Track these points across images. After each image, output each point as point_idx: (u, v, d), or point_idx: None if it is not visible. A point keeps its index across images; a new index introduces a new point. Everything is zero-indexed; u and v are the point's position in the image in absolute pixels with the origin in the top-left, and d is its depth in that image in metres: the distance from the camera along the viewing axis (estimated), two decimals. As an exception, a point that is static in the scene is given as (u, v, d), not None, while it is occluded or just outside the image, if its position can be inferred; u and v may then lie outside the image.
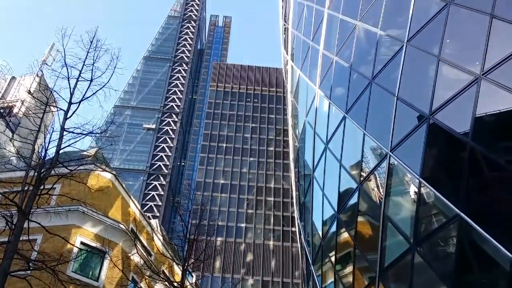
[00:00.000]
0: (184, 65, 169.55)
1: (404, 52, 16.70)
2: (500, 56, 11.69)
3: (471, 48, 13.74)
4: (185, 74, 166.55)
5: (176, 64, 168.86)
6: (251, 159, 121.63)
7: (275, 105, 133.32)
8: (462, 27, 14.61)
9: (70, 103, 21.10)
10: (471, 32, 14.07)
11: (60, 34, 20.93)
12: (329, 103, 23.94)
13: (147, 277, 29.46)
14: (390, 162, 16.13)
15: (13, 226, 18.94)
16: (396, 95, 16.34)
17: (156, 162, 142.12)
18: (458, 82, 13.20)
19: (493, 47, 12.25)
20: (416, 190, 14.50)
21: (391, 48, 18.47)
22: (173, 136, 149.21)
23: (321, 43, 27.41)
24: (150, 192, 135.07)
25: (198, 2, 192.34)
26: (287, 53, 40.53)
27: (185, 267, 27.76)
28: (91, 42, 21.58)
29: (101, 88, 21.57)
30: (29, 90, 23.65)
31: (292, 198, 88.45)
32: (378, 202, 17.34)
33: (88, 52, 21.40)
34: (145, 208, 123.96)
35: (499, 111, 12.21)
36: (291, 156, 40.02)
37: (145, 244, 33.81)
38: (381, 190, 17.04)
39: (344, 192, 20.63)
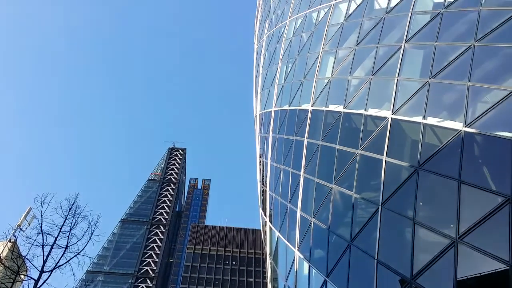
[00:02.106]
0: (162, 227, 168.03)
1: (380, 215, 17.05)
2: (473, 219, 12.06)
3: (444, 211, 14.17)
4: (162, 237, 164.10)
5: (153, 227, 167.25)
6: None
7: (253, 268, 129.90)
8: (433, 191, 15.24)
9: (41, 272, 20.25)
10: (442, 196, 14.66)
11: (39, 201, 20.98)
12: (309, 266, 23.57)
13: None
14: (377, 330, 15.40)
15: None
16: (376, 258, 16.27)
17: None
18: (436, 245, 13.34)
19: (465, 210, 12.68)
20: None
21: (367, 210, 18.89)
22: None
23: (298, 205, 27.92)
24: None
25: (179, 167, 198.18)
26: (265, 215, 40.88)
27: None
28: (70, 209, 21.59)
29: (75, 256, 21.00)
30: (0, 258, 22.77)
31: None
32: None
33: (66, 219, 21.27)
34: None
35: (479, 274, 12.16)
36: (272, 323, 37.87)
37: None
38: None
39: None
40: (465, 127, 13.86)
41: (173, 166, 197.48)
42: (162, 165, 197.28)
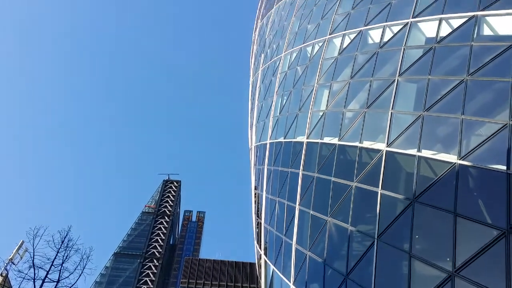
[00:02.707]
0: (155, 261, 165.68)
1: (375, 248, 16.92)
2: (470, 253, 11.99)
3: (440, 244, 14.08)
4: (155, 271, 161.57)
5: (147, 260, 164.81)
6: None
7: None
8: (428, 224, 15.18)
9: (32, 307, 19.87)
10: (438, 229, 14.59)
11: (31, 234, 20.78)
12: (305, 300, 23.19)
13: None
14: None
15: None
16: (373, 292, 16.07)
17: None
18: (432, 279, 13.21)
19: (461, 243, 12.62)
20: None
21: (362, 243, 18.74)
22: None
23: (293, 238, 27.66)
24: None
25: (173, 199, 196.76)
26: (260, 248, 40.44)
27: None
28: (62, 242, 21.38)
29: (67, 290, 20.63)
30: (-10, 292, 22.34)
31: None
32: None
33: (58, 252, 21.04)
34: None
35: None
36: None
37: None
38: None
39: None
40: (460, 159, 13.94)
41: (168, 199, 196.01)
42: (156, 198, 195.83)
